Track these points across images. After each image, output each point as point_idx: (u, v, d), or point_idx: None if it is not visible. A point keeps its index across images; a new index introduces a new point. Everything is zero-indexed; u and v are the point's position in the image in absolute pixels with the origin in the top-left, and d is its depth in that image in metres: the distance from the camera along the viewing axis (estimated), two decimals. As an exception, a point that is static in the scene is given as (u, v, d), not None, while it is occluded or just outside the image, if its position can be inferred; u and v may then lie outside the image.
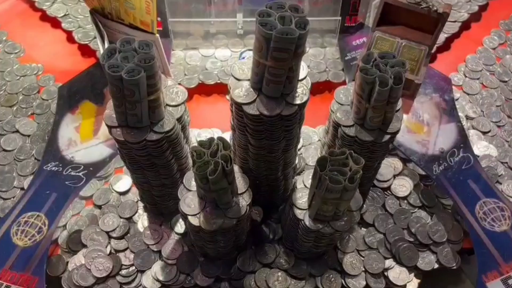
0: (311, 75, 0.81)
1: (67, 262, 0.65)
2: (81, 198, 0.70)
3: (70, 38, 0.89)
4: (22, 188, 0.71)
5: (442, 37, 0.88)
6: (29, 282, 0.60)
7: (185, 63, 0.85)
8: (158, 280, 0.64)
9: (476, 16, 0.94)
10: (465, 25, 0.92)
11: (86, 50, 0.87)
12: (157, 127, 0.52)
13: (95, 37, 0.86)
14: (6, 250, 0.61)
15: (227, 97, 0.79)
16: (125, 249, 0.67)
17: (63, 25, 0.90)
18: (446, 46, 0.90)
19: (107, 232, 0.68)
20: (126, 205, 0.70)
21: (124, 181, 0.72)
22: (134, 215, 0.69)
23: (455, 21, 0.91)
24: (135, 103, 0.48)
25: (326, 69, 0.85)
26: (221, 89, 0.84)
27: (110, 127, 0.52)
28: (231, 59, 0.86)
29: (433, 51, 0.78)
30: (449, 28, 0.90)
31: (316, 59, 0.87)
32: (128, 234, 0.68)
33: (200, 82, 0.83)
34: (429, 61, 0.76)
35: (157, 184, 0.61)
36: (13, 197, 0.71)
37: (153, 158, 0.55)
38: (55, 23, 0.91)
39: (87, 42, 0.87)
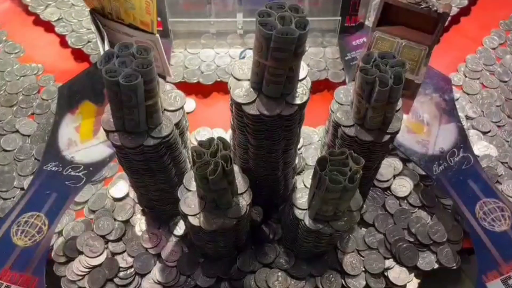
0: (310, 73, 0.81)
1: (64, 269, 0.65)
2: (77, 204, 0.70)
3: (63, 43, 0.89)
4: (22, 188, 0.71)
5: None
6: (29, 282, 0.59)
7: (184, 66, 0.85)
8: (158, 283, 0.64)
9: (466, 11, 0.94)
10: (455, 20, 0.93)
11: (79, 55, 0.87)
12: (155, 132, 0.52)
13: (88, 42, 0.87)
14: (6, 250, 0.61)
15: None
16: (123, 252, 0.67)
17: (56, 29, 0.89)
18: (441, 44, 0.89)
19: (104, 236, 0.67)
20: (121, 208, 0.70)
21: (120, 187, 0.72)
22: (131, 217, 0.69)
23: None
24: (133, 108, 0.48)
25: (326, 67, 0.85)
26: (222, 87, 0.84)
27: (107, 132, 0.52)
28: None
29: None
30: None
31: (316, 57, 0.87)
32: (126, 237, 0.68)
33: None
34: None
35: (155, 188, 0.61)
36: (13, 197, 0.71)
37: (150, 163, 0.55)
38: (48, 27, 0.91)
39: (80, 47, 0.87)
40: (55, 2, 0.93)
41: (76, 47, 0.87)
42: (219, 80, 0.83)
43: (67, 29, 0.89)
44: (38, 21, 0.91)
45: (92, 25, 0.71)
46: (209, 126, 0.78)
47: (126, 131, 0.51)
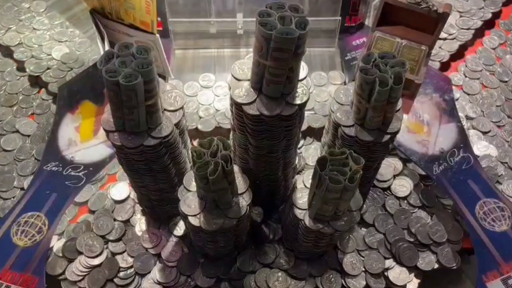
0: (315, 119, 0.77)
1: (65, 269, 0.65)
2: (76, 205, 0.70)
3: (22, 69, 0.83)
4: (22, 188, 0.71)
5: (456, 45, 0.87)
6: (29, 282, 0.59)
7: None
8: (158, 283, 0.64)
9: (490, 24, 0.92)
10: (479, 33, 0.90)
11: (38, 81, 0.82)
12: (155, 132, 0.52)
13: (48, 68, 0.81)
14: (6, 250, 0.61)
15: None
16: (123, 252, 0.67)
17: (15, 55, 0.83)
18: (459, 54, 0.88)
19: (103, 236, 0.67)
20: (121, 208, 0.70)
21: (121, 188, 0.72)
22: (131, 217, 0.69)
23: (468, 29, 0.89)
24: (133, 108, 0.48)
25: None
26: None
27: (107, 132, 0.52)
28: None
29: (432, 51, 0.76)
30: (463, 35, 0.88)
31: (321, 100, 0.80)
32: (126, 237, 0.68)
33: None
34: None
35: (155, 188, 0.61)
36: (13, 197, 0.71)
37: (150, 163, 0.55)
38: (7, 52, 0.85)
39: (39, 74, 0.81)
40: (16, 26, 0.86)
41: (35, 74, 0.82)
42: (218, 126, 0.77)
43: (26, 55, 0.83)
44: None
45: (92, 25, 0.71)
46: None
47: (126, 131, 0.51)
